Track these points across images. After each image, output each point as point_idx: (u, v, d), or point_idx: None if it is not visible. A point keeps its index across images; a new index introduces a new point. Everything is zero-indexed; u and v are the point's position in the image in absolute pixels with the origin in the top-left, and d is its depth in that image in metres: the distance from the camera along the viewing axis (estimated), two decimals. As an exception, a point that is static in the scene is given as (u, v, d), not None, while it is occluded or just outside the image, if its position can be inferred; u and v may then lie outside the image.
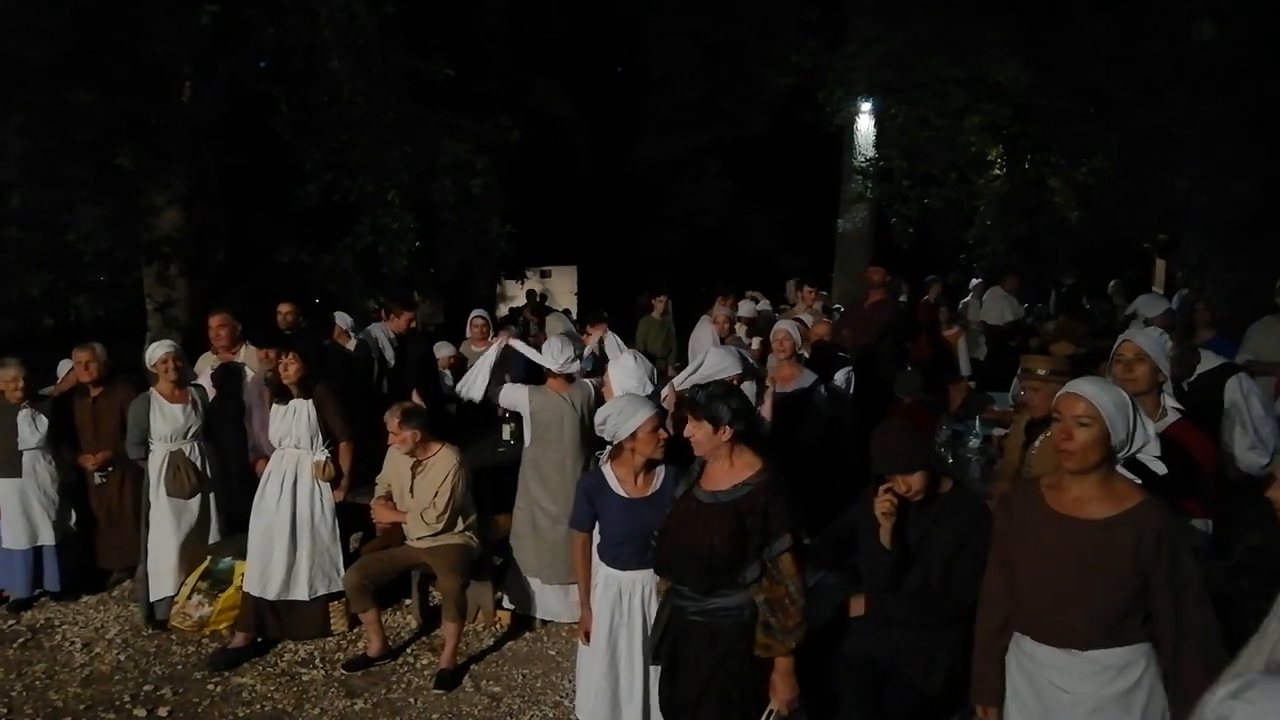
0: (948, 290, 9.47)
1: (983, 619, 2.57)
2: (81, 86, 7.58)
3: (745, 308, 7.53)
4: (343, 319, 6.84)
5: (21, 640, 5.08)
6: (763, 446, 3.00)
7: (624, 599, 3.39)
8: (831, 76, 11.15)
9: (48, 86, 7.49)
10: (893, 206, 11.08)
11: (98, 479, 5.56)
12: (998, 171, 12.35)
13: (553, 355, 4.83)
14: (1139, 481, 2.38)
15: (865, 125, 11.97)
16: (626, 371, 4.31)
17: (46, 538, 5.49)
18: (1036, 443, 3.61)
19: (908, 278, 8.55)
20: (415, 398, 5.99)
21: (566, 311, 10.31)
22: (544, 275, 18.70)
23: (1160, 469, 2.43)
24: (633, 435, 3.30)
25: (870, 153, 11.76)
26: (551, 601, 4.94)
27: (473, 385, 4.91)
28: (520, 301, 15.26)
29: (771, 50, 11.74)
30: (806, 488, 3.98)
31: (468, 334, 7.57)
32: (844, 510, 5.60)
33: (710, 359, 4.62)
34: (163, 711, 4.25)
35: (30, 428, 5.41)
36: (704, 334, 7.47)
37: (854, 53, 11.22)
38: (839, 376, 6.00)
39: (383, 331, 6.44)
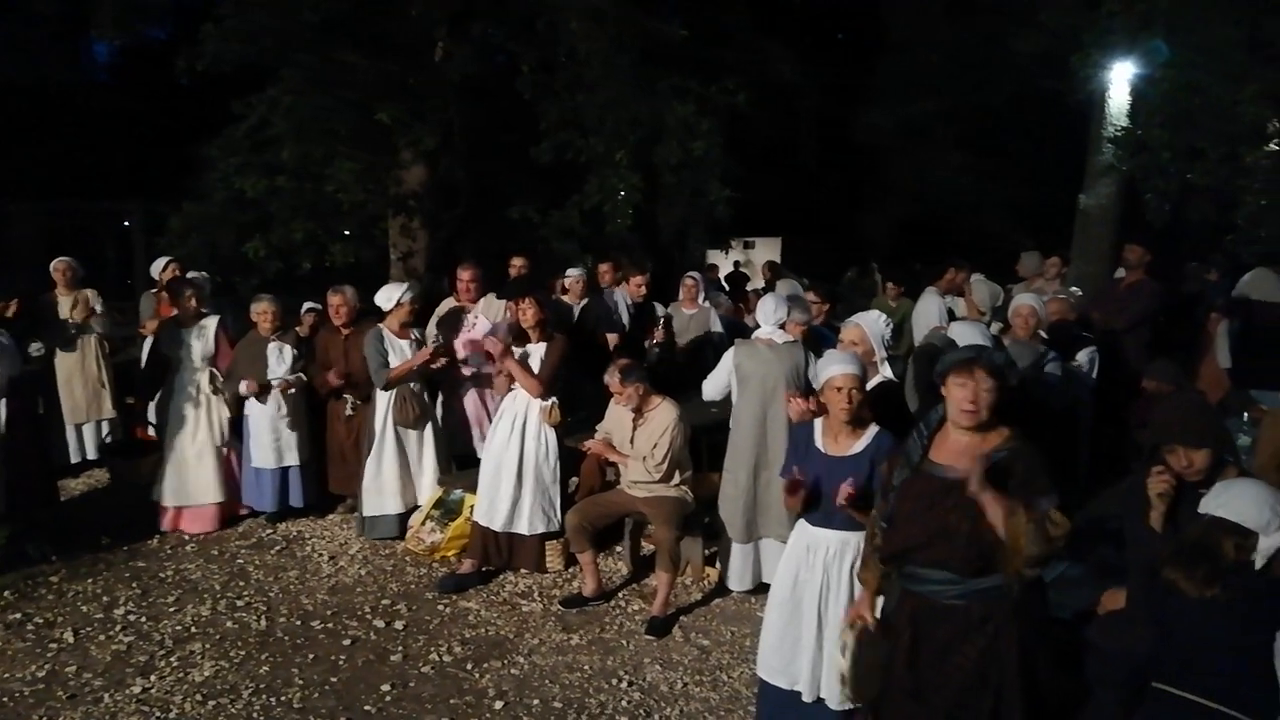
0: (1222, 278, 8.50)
1: None
2: (349, 47, 8.21)
3: (977, 288, 7.02)
4: (574, 273, 7.05)
5: (278, 548, 5.66)
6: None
7: (810, 554, 3.34)
8: (1086, 38, 10.17)
9: (320, 47, 8.15)
10: (1149, 181, 9.99)
11: (349, 409, 6.01)
12: (1275, 146, 10.87)
13: (765, 313, 4.79)
14: None
15: (1119, 92, 10.88)
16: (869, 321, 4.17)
17: (291, 459, 6.02)
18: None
19: (1167, 260, 7.72)
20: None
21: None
22: (747, 246, 18.37)
23: None
24: (820, 389, 3.34)
25: (1124, 122, 10.67)
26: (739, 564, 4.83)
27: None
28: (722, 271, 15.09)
29: (1021, 9, 10.89)
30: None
31: (679, 295, 7.60)
32: (1078, 502, 5.22)
33: (957, 332, 4.40)
34: (398, 625, 4.60)
35: (277, 358, 5.95)
36: (930, 306, 6.61)
37: (1112, 12, 10.21)
38: (1081, 357, 5.56)
39: (622, 296, 6.59)
